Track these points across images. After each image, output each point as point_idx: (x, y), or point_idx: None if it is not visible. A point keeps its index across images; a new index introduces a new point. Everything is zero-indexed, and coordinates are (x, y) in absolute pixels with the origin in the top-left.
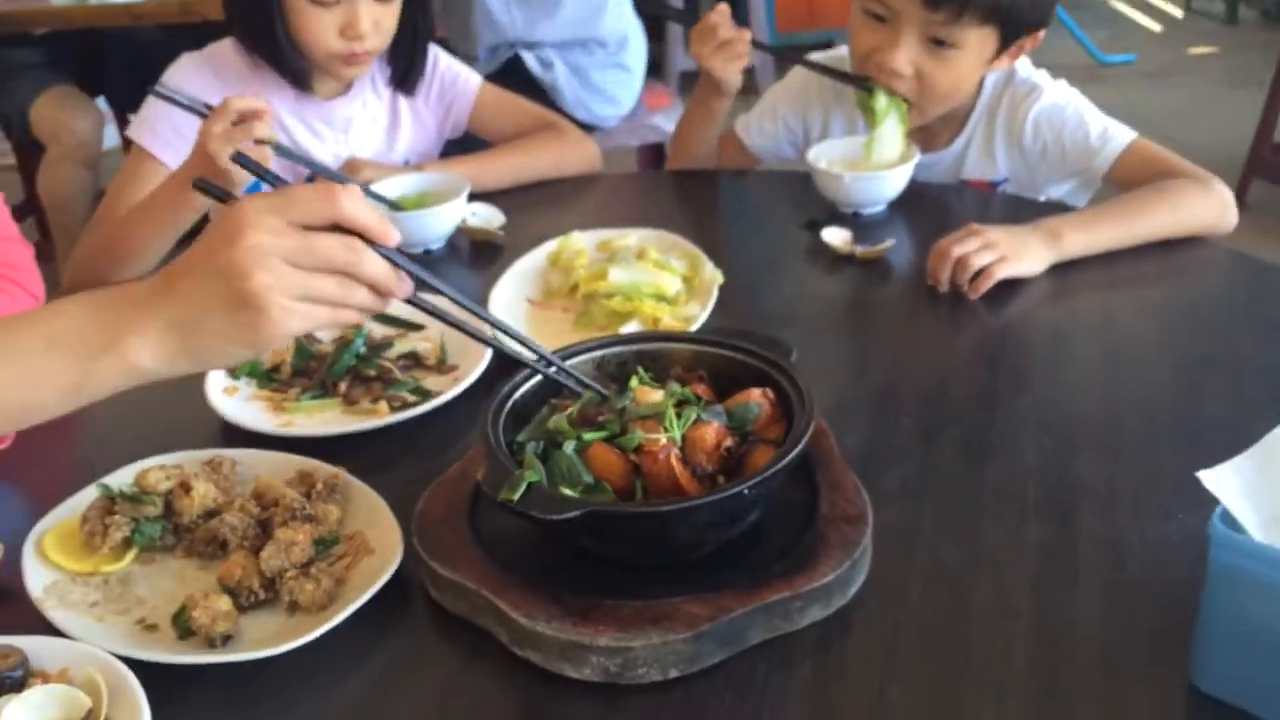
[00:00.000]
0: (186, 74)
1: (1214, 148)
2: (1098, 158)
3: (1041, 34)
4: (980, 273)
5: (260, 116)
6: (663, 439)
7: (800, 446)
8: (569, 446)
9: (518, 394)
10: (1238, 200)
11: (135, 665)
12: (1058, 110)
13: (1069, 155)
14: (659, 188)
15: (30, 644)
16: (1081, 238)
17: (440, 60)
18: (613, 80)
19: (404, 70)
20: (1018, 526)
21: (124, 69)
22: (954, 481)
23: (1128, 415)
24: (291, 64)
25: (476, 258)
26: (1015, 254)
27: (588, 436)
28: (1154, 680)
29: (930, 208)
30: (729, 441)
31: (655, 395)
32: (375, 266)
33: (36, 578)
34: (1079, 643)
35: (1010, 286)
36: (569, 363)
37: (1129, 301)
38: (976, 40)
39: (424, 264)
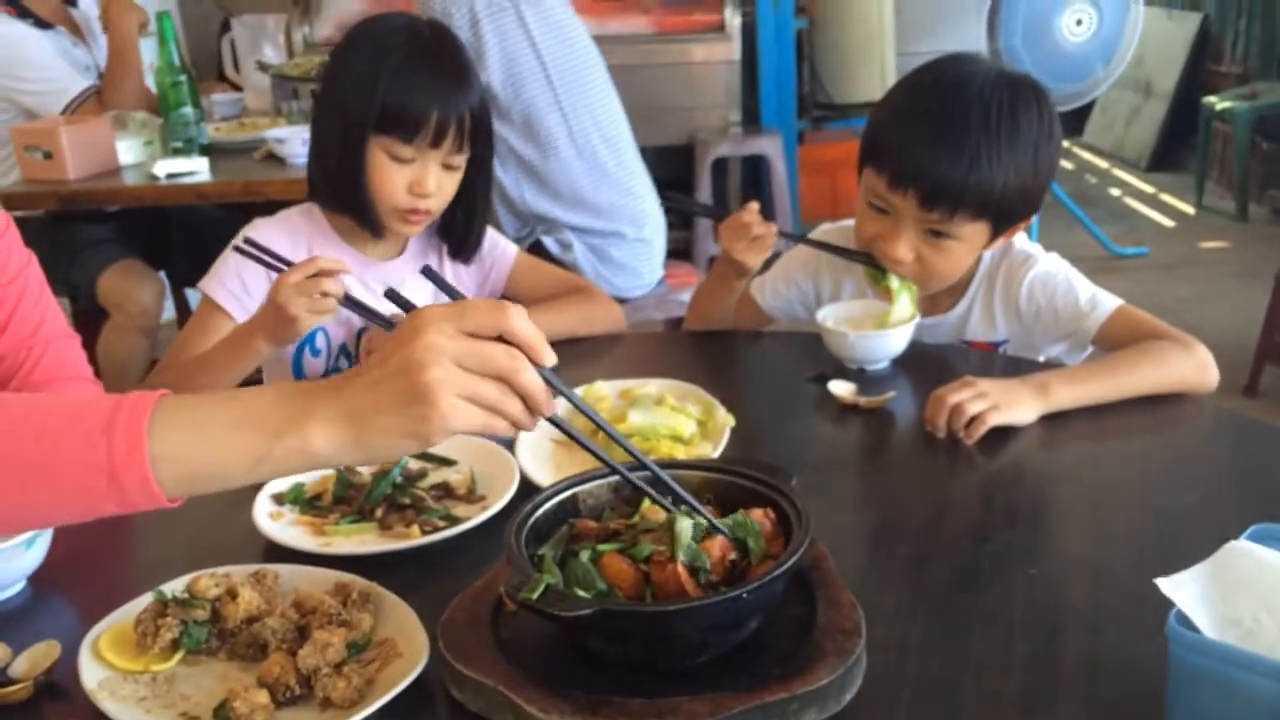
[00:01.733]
0: (258, 233)
1: (1226, 335)
2: (1087, 320)
3: (1031, 220)
4: (974, 420)
5: (335, 274)
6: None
7: (798, 556)
8: (584, 555)
9: (539, 512)
10: (1251, 386)
11: None
12: (1050, 277)
13: (1061, 318)
14: (678, 345)
15: None
16: (1069, 391)
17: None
18: (633, 255)
19: (461, 241)
20: (1004, 644)
21: (185, 245)
22: (944, 603)
23: (1112, 549)
24: (370, 216)
25: None
26: (1007, 403)
27: (601, 547)
28: None
29: (932, 366)
30: (733, 554)
31: (661, 515)
32: (532, 379)
33: (91, 674)
34: None
35: (1003, 433)
36: (588, 485)
37: (1115, 450)
38: (970, 232)
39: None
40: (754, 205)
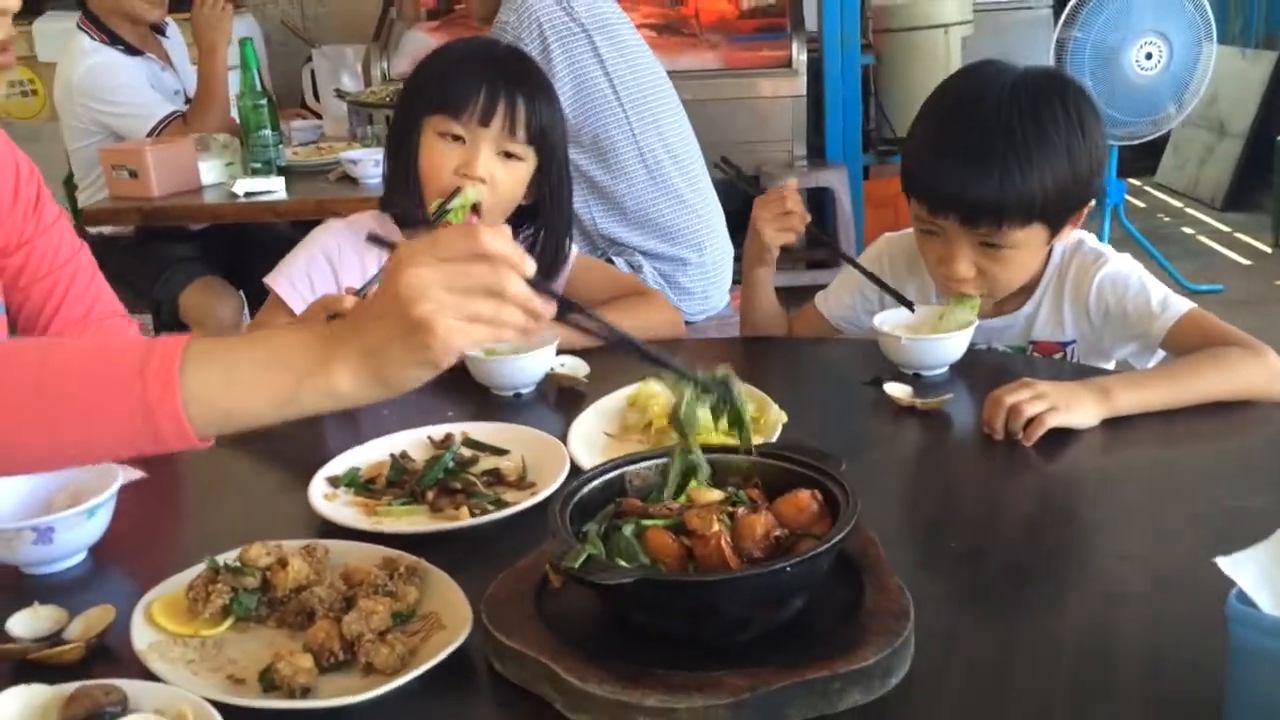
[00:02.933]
0: (330, 234)
1: None
2: (1156, 322)
3: (1093, 202)
4: (1032, 421)
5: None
6: (715, 525)
7: (844, 533)
8: (628, 529)
9: (586, 489)
10: None
11: (221, 710)
12: (1122, 276)
13: (1130, 319)
14: (735, 349)
15: (131, 686)
16: (1132, 395)
17: None
18: (700, 279)
19: (549, 267)
20: (1056, 637)
21: (263, 265)
22: (996, 594)
23: (1173, 548)
24: (422, 206)
25: (561, 402)
26: (1066, 405)
27: (646, 522)
28: None
29: (992, 372)
30: (778, 531)
31: (711, 495)
32: (520, 287)
33: (141, 636)
34: None
35: (1063, 436)
36: (635, 467)
37: (1179, 454)
38: (1024, 237)
39: (513, 407)
40: (793, 182)
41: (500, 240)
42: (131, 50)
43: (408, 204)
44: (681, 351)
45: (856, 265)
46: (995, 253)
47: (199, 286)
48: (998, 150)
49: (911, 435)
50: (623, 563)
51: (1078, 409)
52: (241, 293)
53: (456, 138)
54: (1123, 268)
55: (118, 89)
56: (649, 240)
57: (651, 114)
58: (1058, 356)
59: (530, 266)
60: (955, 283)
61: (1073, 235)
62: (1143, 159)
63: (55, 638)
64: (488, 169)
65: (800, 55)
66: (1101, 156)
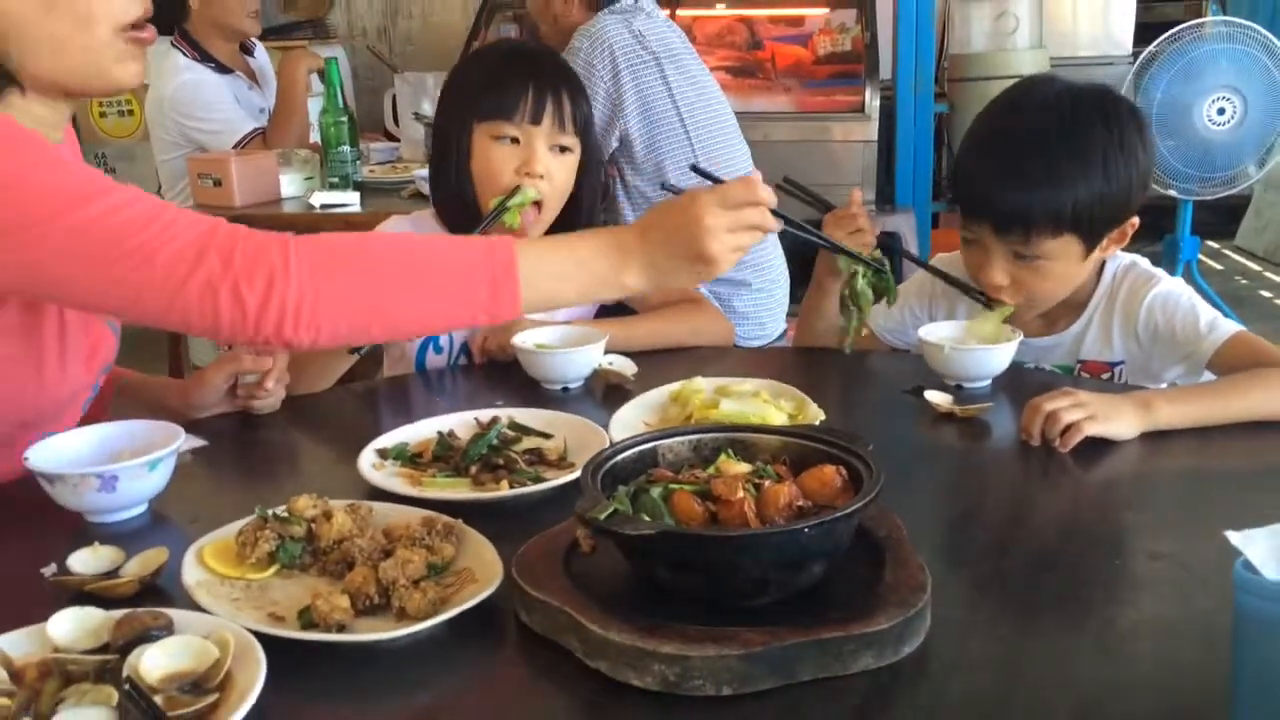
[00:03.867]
0: (393, 228)
1: None
2: (1204, 342)
3: (1136, 220)
4: (1069, 428)
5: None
6: (740, 492)
7: (867, 500)
8: (655, 491)
9: (619, 457)
10: None
11: (261, 640)
12: (1173, 297)
13: (1178, 338)
14: (782, 357)
15: (177, 615)
16: (1173, 409)
17: None
18: (756, 305)
19: None
20: (1075, 626)
21: None
22: (1020, 581)
23: (1204, 550)
24: (474, 219)
25: (607, 397)
26: (1105, 414)
27: (673, 486)
28: None
29: (1035, 388)
30: (801, 502)
31: (739, 468)
32: (771, 220)
33: (191, 574)
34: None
35: (1101, 445)
36: (669, 441)
37: (1218, 468)
38: (1057, 249)
39: (560, 400)
40: (858, 194)
41: (766, 189)
42: (221, 68)
43: (460, 205)
44: (730, 359)
45: (924, 266)
46: (1029, 263)
47: None
48: (1030, 160)
49: (948, 439)
50: (647, 519)
51: (1116, 419)
52: None
53: (511, 139)
54: (1174, 288)
55: (206, 105)
56: None
57: (715, 141)
58: (1105, 377)
59: (773, 200)
60: (990, 290)
61: (1125, 257)
62: (1223, 222)
63: (112, 574)
64: (545, 165)
65: (873, 101)
66: (1144, 175)
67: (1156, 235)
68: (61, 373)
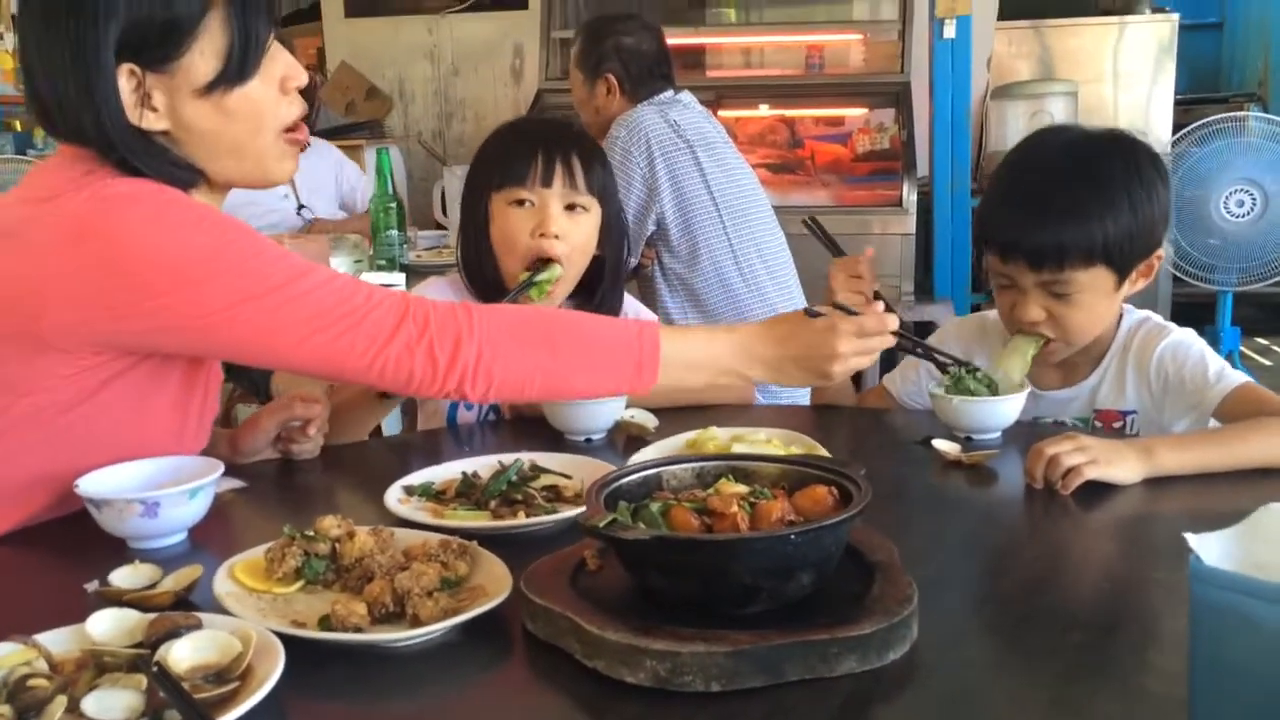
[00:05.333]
0: (428, 289)
1: None
2: (1211, 391)
3: (1162, 251)
4: (1071, 471)
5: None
6: (734, 506)
7: (854, 512)
8: (654, 507)
9: (624, 480)
10: None
11: (282, 641)
12: (1184, 347)
13: (1187, 387)
14: (799, 414)
15: (207, 618)
16: (1176, 456)
17: None
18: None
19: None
20: (1060, 636)
21: None
22: (1008, 603)
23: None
24: (496, 285)
25: (629, 448)
26: (1107, 459)
27: (671, 502)
28: None
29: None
30: (793, 517)
31: (736, 489)
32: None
33: (222, 586)
34: None
35: (1103, 489)
36: (673, 468)
37: (1219, 514)
38: (1090, 280)
39: (582, 450)
40: (869, 251)
41: (891, 317)
42: None
43: (480, 272)
44: (749, 415)
45: (906, 335)
46: (1064, 297)
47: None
48: (1056, 196)
49: (953, 483)
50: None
51: (1119, 464)
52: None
53: (525, 203)
54: (1186, 339)
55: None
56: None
57: (748, 225)
58: (1117, 426)
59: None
60: (1027, 325)
61: (1141, 312)
62: (1270, 319)
63: (150, 589)
64: (560, 225)
65: (911, 196)
66: (1165, 208)
67: (1198, 329)
68: (199, 427)
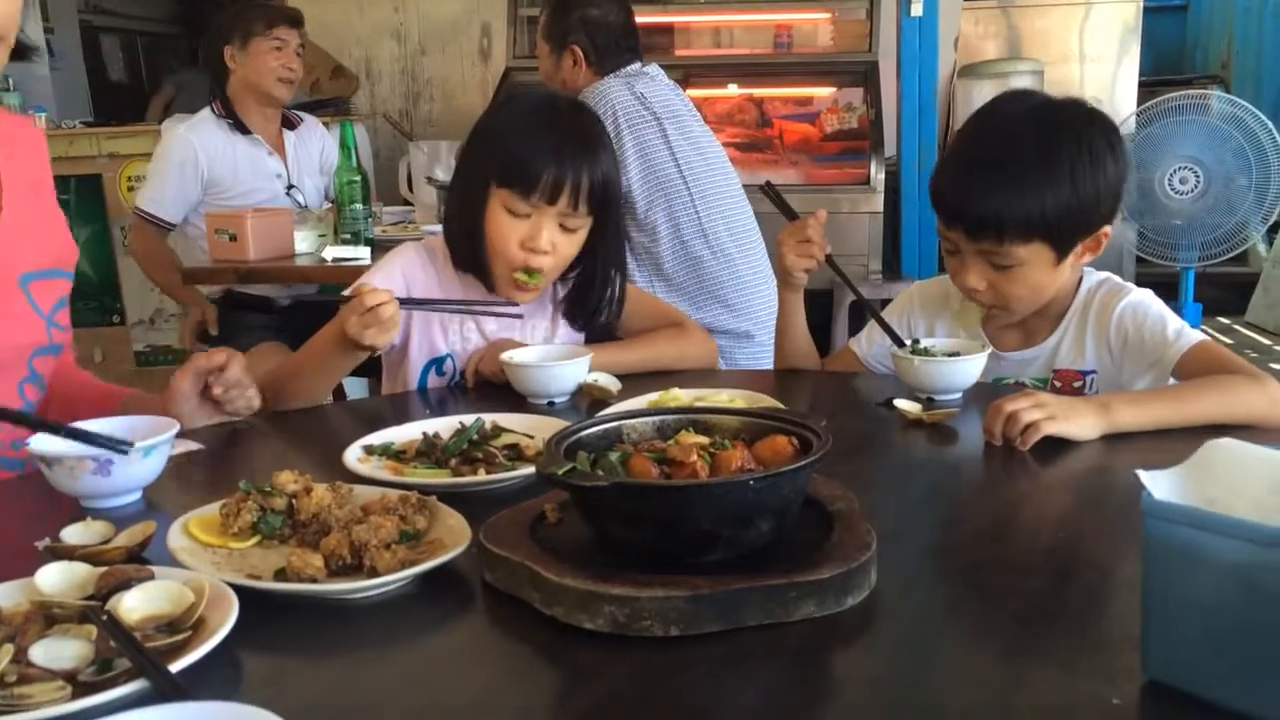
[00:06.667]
0: (403, 254)
1: None
2: (1170, 349)
3: (1109, 228)
4: (1029, 427)
5: (386, 300)
6: (693, 456)
7: (813, 459)
8: (614, 456)
9: (585, 432)
10: None
11: (236, 592)
12: (1143, 306)
13: (1146, 346)
14: (764, 379)
15: (159, 570)
16: (1132, 412)
17: None
18: (756, 359)
19: (573, 301)
20: (1015, 582)
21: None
22: (965, 552)
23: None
24: (486, 273)
25: (592, 411)
26: (1064, 415)
27: (630, 450)
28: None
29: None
30: (752, 465)
31: (697, 439)
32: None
33: (176, 541)
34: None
35: (1060, 445)
36: (633, 421)
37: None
38: (1028, 254)
39: (545, 414)
40: (822, 214)
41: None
42: (240, 128)
43: (469, 251)
44: (716, 380)
45: (855, 290)
46: (1004, 269)
47: (263, 349)
48: (999, 168)
49: (914, 441)
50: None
51: (1076, 420)
52: None
53: (523, 214)
54: (1145, 298)
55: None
56: (710, 314)
57: (717, 199)
58: (1077, 385)
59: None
60: (967, 293)
61: (1100, 273)
62: (1233, 299)
63: (102, 545)
64: (550, 241)
65: (878, 174)
66: (1114, 185)
67: None
68: None
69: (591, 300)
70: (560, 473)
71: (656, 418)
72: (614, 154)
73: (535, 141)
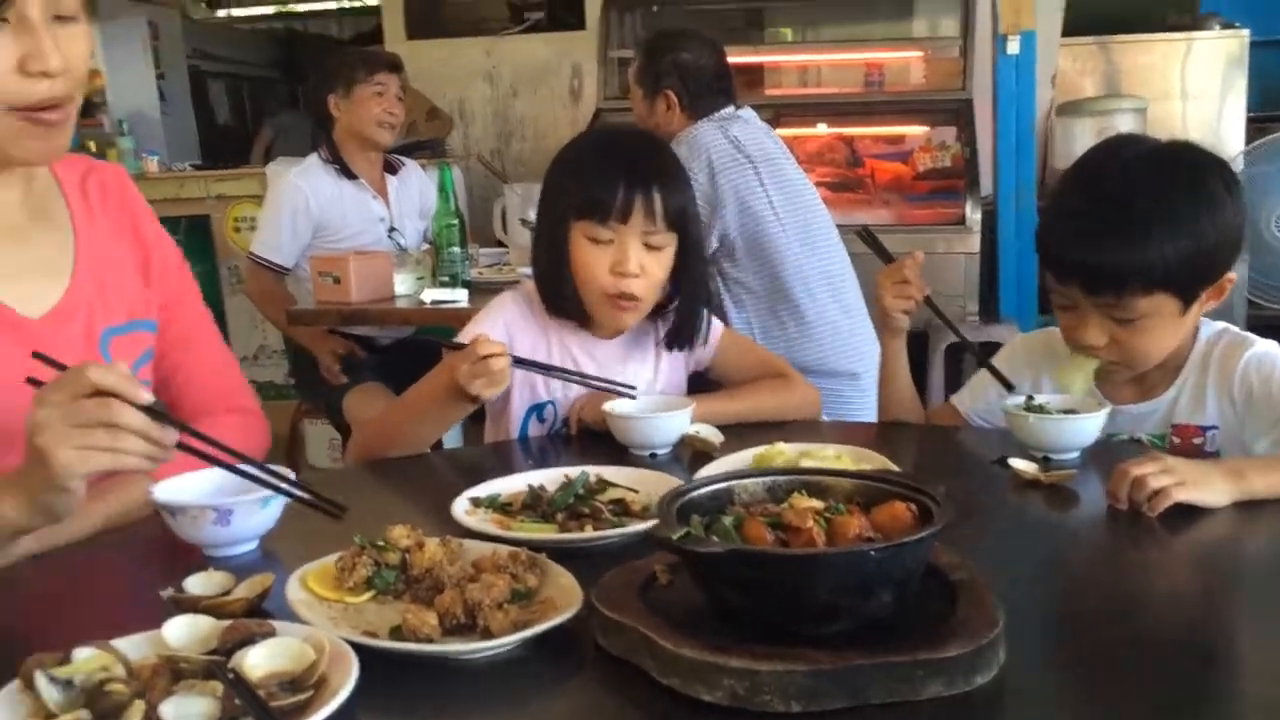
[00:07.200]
0: (504, 305)
1: None
2: None
3: (1234, 274)
4: (1158, 493)
5: (500, 353)
6: (809, 521)
7: (934, 530)
8: (728, 520)
9: (695, 493)
10: None
11: (353, 650)
12: (1269, 359)
13: (1274, 400)
14: (869, 430)
15: (280, 625)
16: (1265, 479)
17: None
18: (849, 405)
19: (677, 330)
20: (1153, 665)
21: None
22: (1096, 627)
23: None
24: (579, 307)
25: (694, 463)
26: (1194, 481)
27: (745, 515)
28: None
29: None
30: (871, 534)
31: (811, 504)
32: (134, 418)
33: (294, 594)
34: None
35: (1190, 513)
36: (744, 481)
37: None
38: (1151, 306)
39: (648, 465)
40: (919, 255)
41: (110, 375)
42: (346, 173)
43: (560, 296)
44: (820, 433)
45: (957, 332)
46: (1126, 324)
47: (360, 391)
48: (1116, 219)
49: (1032, 504)
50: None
51: (1206, 486)
52: None
53: (604, 241)
54: (1271, 351)
55: (320, 203)
56: (807, 355)
57: (812, 241)
58: (1197, 441)
59: (144, 397)
60: (1087, 350)
61: (1218, 324)
62: None
63: (223, 596)
64: (639, 262)
65: (974, 214)
66: (1235, 230)
67: None
68: None
69: (695, 323)
70: (675, 538)
71: (768, 478)
72: (684, 172)
73: (601, 167)
